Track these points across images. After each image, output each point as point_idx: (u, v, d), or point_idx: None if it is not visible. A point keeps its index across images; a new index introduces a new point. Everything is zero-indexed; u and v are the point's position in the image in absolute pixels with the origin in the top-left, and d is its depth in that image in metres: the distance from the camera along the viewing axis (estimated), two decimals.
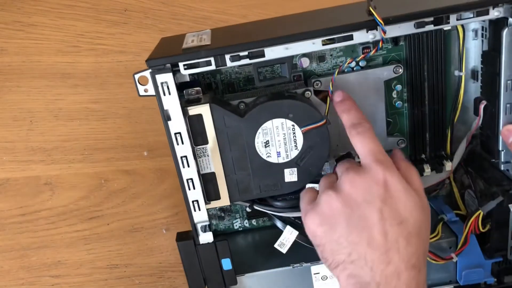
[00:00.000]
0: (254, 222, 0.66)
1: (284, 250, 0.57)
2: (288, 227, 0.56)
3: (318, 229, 0.47)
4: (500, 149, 0.55)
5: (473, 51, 0.57)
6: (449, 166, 0.59)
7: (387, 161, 0.47)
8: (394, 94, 0.58)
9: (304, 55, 0.56)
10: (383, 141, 0.57)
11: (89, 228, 0.69)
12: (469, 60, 0.57)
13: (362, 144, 0.48)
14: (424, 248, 0.47)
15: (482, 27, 0.55)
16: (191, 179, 0.52)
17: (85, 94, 0.72)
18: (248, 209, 0.64)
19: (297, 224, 0.59)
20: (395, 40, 0.56)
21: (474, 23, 0.55)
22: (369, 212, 0.45)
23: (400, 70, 0.56)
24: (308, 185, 0.54)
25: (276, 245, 0.57)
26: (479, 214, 0.56)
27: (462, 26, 0.54)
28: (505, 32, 0.50)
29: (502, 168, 0.56)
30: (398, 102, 0.59)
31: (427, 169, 0.59)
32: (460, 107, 0.58)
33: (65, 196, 0.68)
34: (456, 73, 0.58)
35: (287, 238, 0.56)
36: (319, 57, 0.56)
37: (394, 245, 0.44)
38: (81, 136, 0.71)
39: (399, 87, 0.58)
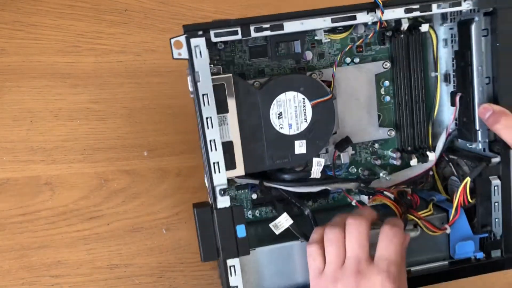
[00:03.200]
0: (257, 213, 0.68)
1: (277, 231, 0.60)
2: (284, 214, 0.60)
3: None
4: (477, 128, 0.62)
5: (444, 57, 0.66)
6: (432, 156, 0.66)
7: None
8: (382, 91, 0.67)
9: (307, 49, 0.64)
10: (375, 131, 0.67)
11: (89, 228, 0.69)
12: (441, 66, 0.67)
13: None
14: None
15: (451, 34, 0.65)
16: (214, 140, 0.56)
17: (85, 94, 0.72)
18: (253, 196, 0.67)
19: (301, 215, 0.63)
20: (382, 41, 0.66)
21: (444, 33, 0.66)
22: None
23: (388, 64, 0.65)
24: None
25: (271, 225, 0.60)
26: (467, 181, 0.61)
27: (435, 31, 0.65)
28: (473, 26, 0.60)
29: (480, 147, 0.63)
30: (386, 97, 0.67)
31: (414, 159, 0.66)
32: (438, 103, 0.66)
33: (65, 196, 0.68)
34: (433, 74, 0.66)
35: (282, 223, 0.60)
36: (319, 54, 0.64)
37: None
38: (81, 136, 0.71)
39: (386, 83, 0.66)
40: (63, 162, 0.69)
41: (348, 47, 0.62)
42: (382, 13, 0.56)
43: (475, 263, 0.65)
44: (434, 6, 0.58)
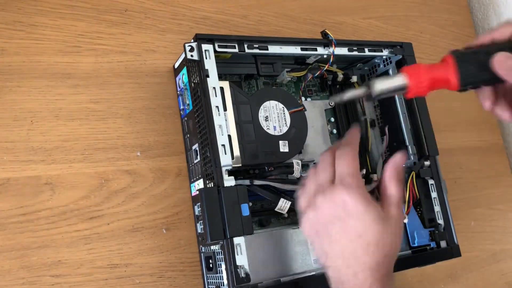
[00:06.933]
0: None
1: (284, 212, 0.70)
2: (281, 199, 0.69)
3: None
4: (407, 144, 0.82)
5: (367, 110, 0.88)
6: (375, 177, 0.81)
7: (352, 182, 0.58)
8: (329, 126, 0.84)
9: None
10: None
11: (90, 228, 0.69)
12: (368, 113, 0.87)
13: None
14: (384, 253, 0.57)
15: None
16: (221, 125, 0.65)
17: (85, 94, 0.73)
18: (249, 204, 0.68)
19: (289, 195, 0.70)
20: (323, 88, 0.85)
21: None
22: (333, 231, 0.58)
23: (332, 103, 0.84)
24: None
25: (276, 209, 0.69)
26: (413, 174, 0.77)
27: (359, 85, 0.85)
28: (390, 71, 0.85)
29: (411, 159, 0.82)
30: (333, 130, 0.85)
31: None
32: (370, 139, 0.85)
33: (65, 196, 0.68)
34: (362, 118, 0.87)
35: (282, 205, 0.69)
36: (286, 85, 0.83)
37: (352, 255, 0.57)
38: (81, 136, 0.71)
39: (332, 119, 0.85)
40: (63, 162, 0.69)
41: (303, 84, 0.80)
42: (335, 46, 0.76)
43: (430, 252, 0.77)
44: (366, 49, 0.80)
